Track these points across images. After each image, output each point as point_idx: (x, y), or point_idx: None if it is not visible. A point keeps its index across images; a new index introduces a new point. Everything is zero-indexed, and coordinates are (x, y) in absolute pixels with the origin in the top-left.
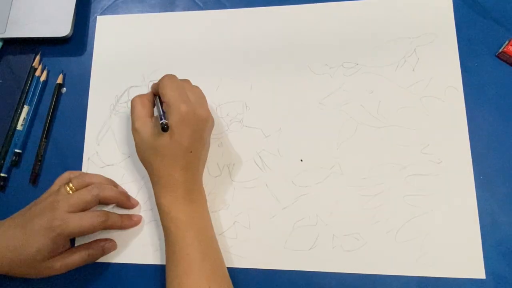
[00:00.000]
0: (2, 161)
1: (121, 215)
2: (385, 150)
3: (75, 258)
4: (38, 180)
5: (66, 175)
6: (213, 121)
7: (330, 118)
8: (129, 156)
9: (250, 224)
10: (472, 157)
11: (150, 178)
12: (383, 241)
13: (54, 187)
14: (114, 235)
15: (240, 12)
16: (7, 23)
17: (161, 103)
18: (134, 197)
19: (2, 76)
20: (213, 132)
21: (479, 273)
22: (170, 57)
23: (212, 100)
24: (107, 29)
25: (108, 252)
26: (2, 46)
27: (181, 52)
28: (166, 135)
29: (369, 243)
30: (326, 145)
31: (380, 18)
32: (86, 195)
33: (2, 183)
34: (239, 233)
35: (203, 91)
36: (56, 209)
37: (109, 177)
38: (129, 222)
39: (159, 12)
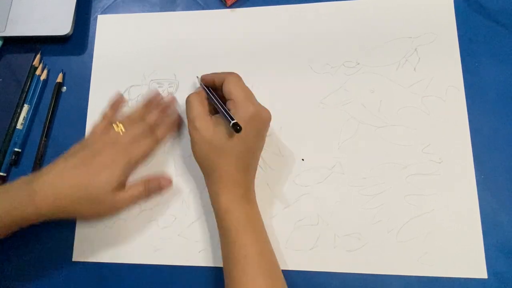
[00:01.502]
0: (1, 160)
1: (163, 125)
2: (386, 150)
3: (140, 189)
4: None
5: (109, 113)
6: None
7: (331, 118)
8: None
9: None
10: (473, 157)
11: (208, 176)
12: (384, 240)
13: (100, 128)
14: (116, 235)
15: (241, 11)
16: (7, 21)
17: (222, 101)
18: None
19: (2, 75)
20: None
21: (481, 272)
22: (171, 56)
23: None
24: (107, 28)
25: (164, 188)
26: (2, 45)
27: (182, 51)
28: (233, 135)
29: (370, 242)
30: (327, 144)
31: (381, 18)
32: (138, 130)
33: (1, 182)
34: None
35: None
36: (116, 146)
37: None
38: (170, 122)
39: (160, 11)
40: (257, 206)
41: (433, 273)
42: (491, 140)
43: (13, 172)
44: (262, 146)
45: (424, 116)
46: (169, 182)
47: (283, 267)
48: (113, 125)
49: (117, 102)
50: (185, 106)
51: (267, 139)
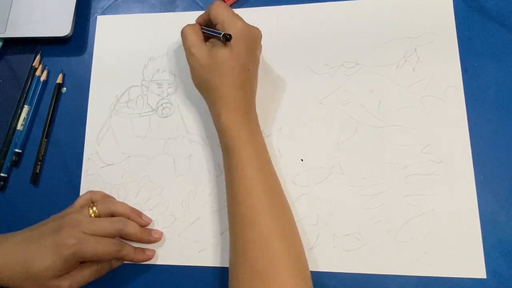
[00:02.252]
0: (2, 161)
1: (135, 248)
2: (386, 150)
3: (85, 275)
4: (39, 180)
5: (88, 195)
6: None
7: (331, 118)
8: (129, 156)
9: None
10: (473, 157)
11: (209, 99)
12: (383, 241)
13: (76, 206)
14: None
15: (240, 12)
16: (7, 23)
17: (213, 28)
18: (134, 197)
19: (2, 76)
20: (214, 132)
21: (480, 272)
22: (170, 57)
23: None
24: (107, 29)
25: (116, 267)
26: (2, 46)
27: (181, 52)
28: (226, 50)
29: (370, 243)
30: (327, 144)
31: (380, 18)
32: (109, 227)
33: (2, 183)
34: None
35: None
36: (74, 228)
37: (109, 177)
38: (142, 256)
39: (160, 12)
40: (259, 128)
41: (432, 273)
42: (490, 140)
43: (13, 173)
44: (257, 64)
45: (424, 116)
46: (120, 262)
47: None
48: (89, 207)
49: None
50: (184, 105)
51: (266, 139)
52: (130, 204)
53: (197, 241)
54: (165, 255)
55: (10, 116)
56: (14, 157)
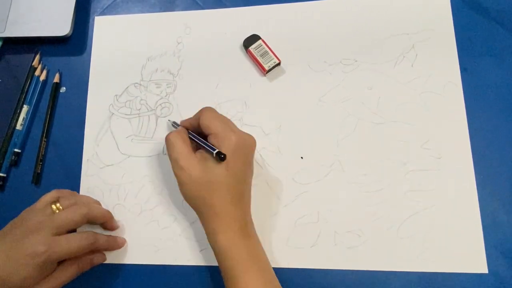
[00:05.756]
0: (1, 161)
1: (108, 237)
2: (385, 146)
3: (67, 275)
4: (40, 180)
5: (53, 193)
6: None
7: (330, 115)
8: (129, 156)
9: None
10: (473, 157)
11: (202, 215)
12: (384, 237)
13: (39, 205)
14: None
15: (240, 11)
16: (6, 22)
17: (203, 137)
18: (134, 197)
19: (2, 75)
20: None
21: (481, 267)
22: (169, 56)
23: (212, 99)
24: (105, 30)
25: (97, 264)
26: (2, 45)
27: (180, 52)
28: (221, 167)
29: (371, 239)
30: (326, 142)
31: (378, 15)
32: (74, 215)
33: (1, 183)
34: None
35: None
36: (40, 232)
37: (109, 177)
38: (115, 244)
39: (159, 11)
40: (258, 240)
41: (433, 269)
42: (490, 140)
43: (13, 173)
44: (252, 173)
45: (423, 112)
46: (102, 259)
47: (284, 265)
48: (52, 204)
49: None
50: (183, 104)
51: (266, 138)
52: (130, 205)
53: (198, 240)
54: (166, 255)
55: (9, 115)
56: (14, 156)
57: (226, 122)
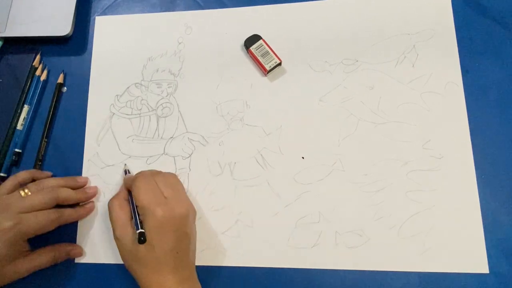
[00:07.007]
0: (2, 161)
1: (75, 207)
2: (386, 146)
3: (42, 260)
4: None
5: (13, 180)
6: (194, 211)
7: (331, 115)
8: (129, 157)
9: (253, 222)
10: (474, 157)
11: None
12: (386, 237)
13: (6, 187)
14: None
15: (241, 11)
16: (7, 22)
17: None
18: None
19: (2, 75)
20: (214, 131)
21: (483, 267)
22: (170, 56)
23: (213, 99)
24: (106, 30)
25: (74, 257)
26: (2, 45)
27: (181, 51)
28: (144, 246)
29: (372, 239)
30: (327, 142)
31: (379, 15)
32: (43, 198)
33: (2, 183)
34: (242, 231)
35: (177, 177)
36: (7, 211)
37: (109, 177)
38: (84, 211)
39: (160, 11)
40: None
41: (434, 268)
42: (491, 140)
43: (13, 173)
44: (189, 239)
45: (424, 112)
46: (79, 253)
47: (285, 265)
48: (20, 190)
49: (41, 175)
50: (183, 104)
51: (267, 138)
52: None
53: (198, 241)
54: None
55: (10, 115)
56: (14, 156)
57: (155, 192)
